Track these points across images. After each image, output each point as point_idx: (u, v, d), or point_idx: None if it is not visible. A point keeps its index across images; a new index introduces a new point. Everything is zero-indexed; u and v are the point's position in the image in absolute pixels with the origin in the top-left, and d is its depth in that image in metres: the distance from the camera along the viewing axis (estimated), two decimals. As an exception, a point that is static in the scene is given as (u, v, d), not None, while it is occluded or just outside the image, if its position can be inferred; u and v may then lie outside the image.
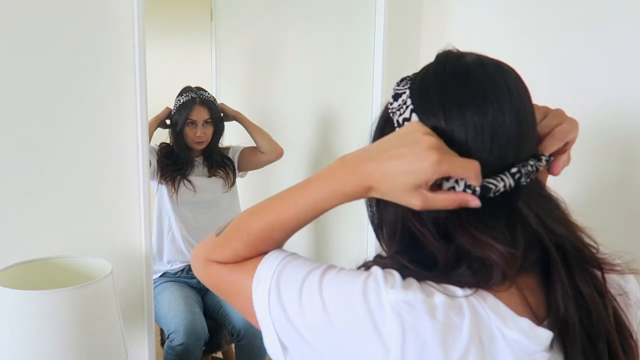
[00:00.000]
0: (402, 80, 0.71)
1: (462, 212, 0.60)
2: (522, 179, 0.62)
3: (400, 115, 0.66)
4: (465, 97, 0.62)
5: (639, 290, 0.72)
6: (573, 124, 0.69)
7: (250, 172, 2.14)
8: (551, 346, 0.58)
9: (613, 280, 0.67)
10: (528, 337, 0.57)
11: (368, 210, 0.74)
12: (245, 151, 2.08)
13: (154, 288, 1.91)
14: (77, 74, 1.40)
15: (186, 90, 1.98)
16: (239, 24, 2.47)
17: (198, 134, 1.94)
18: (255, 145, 2.07)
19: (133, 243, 1.52)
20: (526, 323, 0.58)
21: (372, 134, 0.73)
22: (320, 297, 0.61)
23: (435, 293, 0.58)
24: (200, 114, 1.95)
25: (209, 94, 2.00)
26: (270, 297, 0.65)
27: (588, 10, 1.21)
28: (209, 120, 1.97)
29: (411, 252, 0.65)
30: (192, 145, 1.97)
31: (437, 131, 0.61)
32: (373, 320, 0.57)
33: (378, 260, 0.67)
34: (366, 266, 0.66)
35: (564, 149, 0.69)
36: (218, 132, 2.02)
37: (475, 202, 0.59)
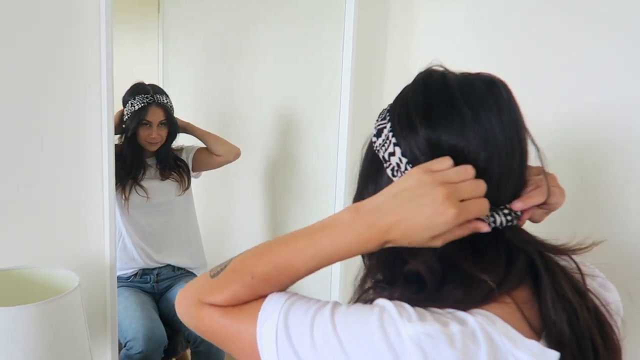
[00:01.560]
0: (380, 114, 0.73)
1: (453, 245, 0.63)
2: (508, 223, 0.66)
3: (385, 150, 0.69)
4: (452, 120, 0.65)
5: (619, 299, 0.77)
6: (562, 193, 0.75)
7: (204, 173, 2.09)
8: None
9: (597, 292, 0.71)
10: (537, 358, 0.59)
11: None
12: (200, 152, 2.01)
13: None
14: (35, 75, 1.30)
15: (140, 89, 1.87)
16: (190, 17, 2.38)
17: (153, 135, 1.85)
18: (203, 151, 2.02)
19: (96, 251, 1.44)
20: (535, 345, 0.60)
21: (361, 171, 0.76)
22: (334, 335, 0.60)
23: (450, 322, 0.59)
24: (155, 115, 1.86)
25: (165, 95, 1.91)
26: (278, 338, 0.63)
27: (548, 21, 1.26)
28: (165, 121, 1.89)
29: (396, 276, 0.68)
30: (145, 145, 1.87)
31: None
32: (395, 354, 0.57)
33: (377, 293, 0.68)
34: (367, 300, 0.67)
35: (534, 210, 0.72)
36: (172, 134, 1.93)
37: (486, 228, 0.63)
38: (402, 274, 0.68)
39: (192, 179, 2.01)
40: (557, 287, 0.65)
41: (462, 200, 0.60)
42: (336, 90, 1.70)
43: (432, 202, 0.59)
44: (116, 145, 1.82)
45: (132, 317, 1.74)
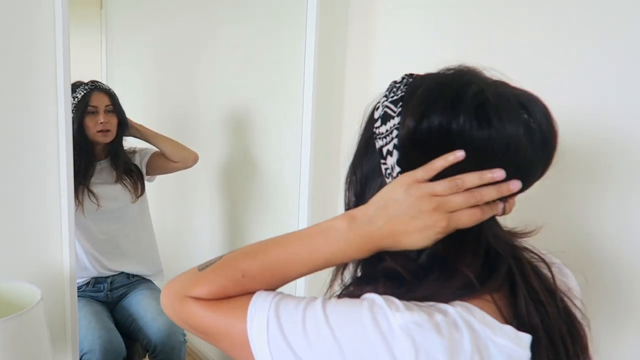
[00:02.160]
0: (393, 89, 0.69)
1: (446, 243, 0.65)
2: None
3: (385, 145, 0.67)
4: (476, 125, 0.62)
5: (576, 282, 0.80)
6: None
7: (160, 176, 2.02)
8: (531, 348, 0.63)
9: (559, 280, 0.74)
10: (514, 342, 0.62)
11: None
12: (155, 156, 1.92)
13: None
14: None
15: (78, 84, 1.76)
16: (136, 13, 2.29)
17: (101, 119, 1.73)
18: (158, 155, 1.93)
19: (54, 261, 1.36)
20: (510, 330, 0.63)
21: (358, 146, 0.74)
22: (327, 325, 0.61)
23: (434, 313, 0.61)
24: (100, 100, 1.75)
25: (106, 85, 1.83)
26: (269, 330, 0.64)
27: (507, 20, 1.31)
28: (111, 107, 1.78)
29: (375, 273, 0.69)
30: (96, 137, 1.75)
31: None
32: (387, 343, 0.59)
33: (360, 288, 0.69)
34: (353, 295, 0.68)
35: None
36: (123, 123, 1.83)
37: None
38: (381, 271, 0.69)
39: (147, 183, 1.94)
40: (530, 290, 0.68)
41: (452, 211, 0.63)
42: (298, 89, 1.69)
43: (422, 214, 0.63)
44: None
45: (87, 328, 1.66)
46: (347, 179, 0.76)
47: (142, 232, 1.93)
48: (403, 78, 0.70)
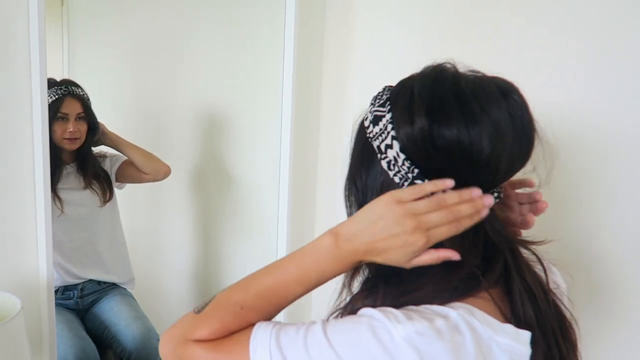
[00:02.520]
0: (377, 98, 0.73)
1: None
2: (496, 203, 0.71)
3: (382, 141, 0.69)
4: (459, 116, 0.65)
5: (564, 281, 0.84)
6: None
7: (134, 192, 1.95)
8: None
9: (549, 278, 0.77)
10: (515, 340, 0.64)
11: None
12: (126, 165, 1.84)
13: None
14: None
15: (51, 83, 1.66)
16: (100, 10, 2.21)
17: (70, 128, 1.67)
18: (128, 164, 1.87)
19: (30, 270, 1.30)
20: (510, 328, 0.66)
21: (352, 156, 0.76)
22: (330, 348, 0.62)
23: (434, 318, 0.62)
24: (72, 107, 1.69)
25: (80, 88, 1.76)
26: (272, 359, 0.65)
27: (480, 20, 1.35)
28: (83, 115, 1.72)
29: (378, 275, 0.73)
30: (62, 143, 1.68)
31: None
32: (391, 356, 0.60)
33: (362, 299, 0.72)
34: (353, 310, 0.70)
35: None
36: (93, 130, 1.76)
37: (456, 257, 0.66)
38: (381, 274, 0.72)
39: (116, 190, 1.87)
40: (525, 285, 0.71)
41: (432, 228, 0.65)
42: (276, 93, 1.68)
43: (403, 233, 0.65)
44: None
45: (59, 337, 1.58)
46: (346, 192, 0.78)
47: (112, 240, 1.86)
48: (383, 89, 0.74)
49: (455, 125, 0.64)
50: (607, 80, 1.13)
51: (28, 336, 1.30)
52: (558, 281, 0.81)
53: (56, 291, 1.74)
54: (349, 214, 0.78)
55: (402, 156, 0.68)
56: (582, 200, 1.19)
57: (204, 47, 2.02)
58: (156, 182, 1.95)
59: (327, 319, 0.69)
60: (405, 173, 0.68)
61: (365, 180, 0.73)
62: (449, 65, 0.71)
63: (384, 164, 0.70)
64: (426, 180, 0.67)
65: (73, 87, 1.72)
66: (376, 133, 0.70)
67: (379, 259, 0.67)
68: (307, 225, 1.78)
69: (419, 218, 0.64)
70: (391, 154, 0.68)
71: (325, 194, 1.77)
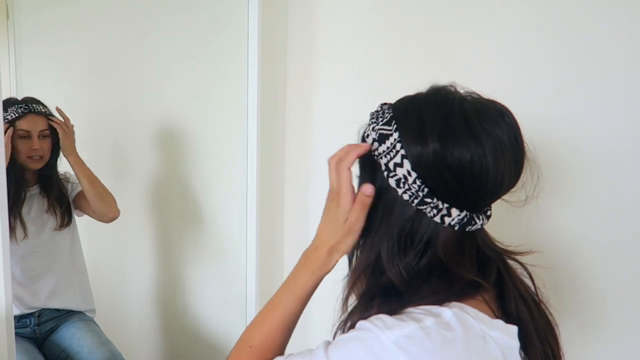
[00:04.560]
0: (379, 116, 0.75)
1: (444, 247, 0.72)
2: (488, 220, 0.76)
3: (391, 160, 0.72)
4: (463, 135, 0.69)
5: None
6: None
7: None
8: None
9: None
10: (505, 333, 0.69)
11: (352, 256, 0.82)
12: (81, 195, 1.73)
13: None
14: None
15: (12, 102, 1.63)
16: (48, 21, 2.12)
17: (34, 146, 1.60)
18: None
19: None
20: (500, 323, 0.70)
21: (362, 172, 0.79)
22: None
23: (424, 318, 0.66)
24: (35, 124, 1.62)
25: (43, 105, 1.68)
26: None
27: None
28: (47, 132, 1.65)
29: (376, 287, 0.76)
30: (26, 163, 1.61)
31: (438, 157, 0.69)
32: None
33: (357, 317, 0.74)
34: (351, 326, 0.73)
35: None
36: (56, 147, 1.69)
37: (369, 190, 0.75)
38: (379, 287, 0.75)
39: (76, 217, 1.80)
40: (518, 289, 0.77)
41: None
42: (240, 106, 1.65)
43: (342, 233, 0.77)
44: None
45: (18, 369, 1.51)
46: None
47: (72, 266, 1.77)
48: (382, 106, 0.77)
49: (465, 146, 0.67)
50: (582, 89, 1.17)
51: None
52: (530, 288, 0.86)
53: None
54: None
55: (414, 175, 0.70)
56: (564, 212, 1.23)
57: (161, 58, 1.97)
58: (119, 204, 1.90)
59: (333, 338, 0.72)
60: (416, 191, 0.70)
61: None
62: (451, 89, 0.74)
63: (392, 182, 0.71)
64: (435, 199, 0.70)
65: (35, 105, 1.65)
66: (383, 151, 0.72)
67: (342, 252, 0.78)
68: (277, 245, 1.75)
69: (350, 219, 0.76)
70: (401, 172, 0.70)
71: (294, 211, 1.75)
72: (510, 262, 0.80)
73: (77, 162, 1.67)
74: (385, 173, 0.72)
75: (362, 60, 1.53)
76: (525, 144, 0.73)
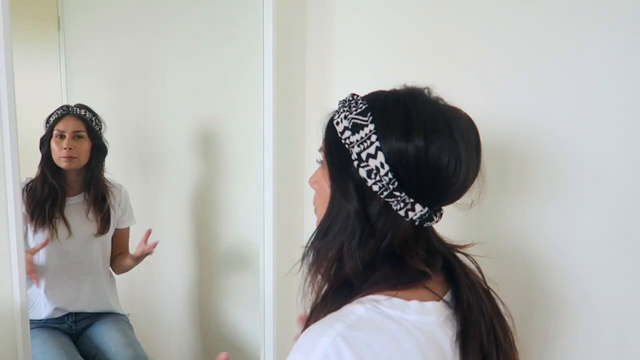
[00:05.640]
0: (352, 105, 0.75)
1: (402, 239, 0.74)
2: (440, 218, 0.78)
3: (364, 150, 0.71)
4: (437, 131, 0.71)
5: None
6: None
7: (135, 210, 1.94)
8: (447, 316, 0.74)
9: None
10: (420, 313, 0.71)
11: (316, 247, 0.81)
12: (121, 235, 1.89)
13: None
14: None
15: (60, 107, 1.74)
16: (95, 33, 2.24)
17: (64, 145, 1.66)
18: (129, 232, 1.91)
19: (2, 294, 1.28)
20: (415, 304, 0.71)
21: (329, 160, 0.77)
22: None
23: (335, 323, 0.67)
24: (69, 125, 1.69)
25: (86, 109, 1.76)
26: None
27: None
28: (82, 133, 1.71)
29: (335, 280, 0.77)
30: (59, 162, 1.68)
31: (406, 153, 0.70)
32: None
33: (313, 318, 0.76)
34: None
35: None
36: (97, 149, 1.76)
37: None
38: (338, 279, 0.77)
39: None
40: (467, 279, 0.79)
41: None
42: (258, 101, 1.64)
43: None
44: (33, 179, 1.67)
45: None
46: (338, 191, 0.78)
47: (103, 273, 1.84)
48: (353, 96, 0.77)
49: (446, 147, 0.70)
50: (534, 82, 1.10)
51: (1, 363, 1.28)
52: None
53: (50, 318, 1.73)
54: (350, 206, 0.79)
55: (387, 167, 0.70)
56: (506, 205, 1.18)
57: (186, 65, 2.01)
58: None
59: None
60: (386, 184, 0.71)
61: (342, 182, 0.76)
62: (429, 91, 0.76)
63: (362, 172, 0.72)
64: (404, 193, 0.71)
65: (76, 108, 1.73)
66: (356, 141, 0.72)
67: None
68: (296, 249, 1.71)
69: None
70: (373, 163, 0.70)
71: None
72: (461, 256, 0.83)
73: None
74: (356, 163, 0.72)
75: (379, 60, 1.47)
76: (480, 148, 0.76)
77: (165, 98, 2.11)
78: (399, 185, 0.71)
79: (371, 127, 0.71)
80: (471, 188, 0.77)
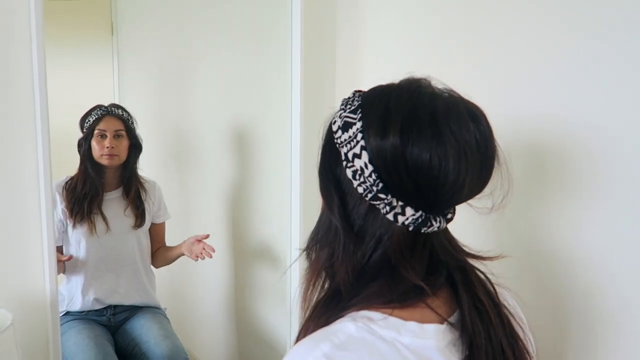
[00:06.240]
0: (348, 103, 0.70)
1: (395, 247, 0.67)
2: (448, 223, 0.71)
3: (350, 150, 0.66)
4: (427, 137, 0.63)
5: (518, 306, 0.80)
6: None
7: (170, 205, 2.01)
8: (451, 341, 0.67)
9: (503, 299, 0.75)
10: (418, 337, 0.64)
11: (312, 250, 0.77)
12: (157, 226, 1.97)
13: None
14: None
15: (95, 107, 1.82)
16: (145, 38, 2.33)
17: (107, 144, 1.75)
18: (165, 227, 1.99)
19: (35, 287, 1.35)
20: (413, 325, 0.65)
21: (321, 160, 0.73)
22: None
23: (322, 342, 0.63)
24: (110, 124, 1.78)
25: (123, 109, 1.84)
26: None
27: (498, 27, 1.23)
28: (122, 132, 1.80)
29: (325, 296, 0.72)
30: (101, 160, 1.77)
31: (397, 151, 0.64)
32: None
33: (302, 334, 0.71)
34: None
35: None
36: (135, 147, 1.84)
37: None
38: (330, 289, 0.72)
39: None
40: (475, 299, 0.70)
41: None
42: (287, 103, 1.65)
43: None
44: (72, 177, 1.76)
45: (83, 352, 1.64)
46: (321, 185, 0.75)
47: (142, 267, 1.91)
48: (353, 93, 0.72)
49: (426, 144, 0.63)
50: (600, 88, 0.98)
51: (32, 351, 1.35)
52: (508, 300, 0.79)
53: (90, 310, 1.81)
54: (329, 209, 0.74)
55: (370, 167, 0.65)
56: (535, 217, 1.11)
57: (224, 67, 2.06)
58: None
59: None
60: (370, 185, 0.65)
61: (334, 185, 0.71)
62: (425, 82, 0.69)
63: (348, 172, 0.67)
64: (389, 195, 0.65)
65: (114, 108, 1.81)
66: (345, 140, 0.67)
67: None
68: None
69: None
70: (358, 163, 0.66)
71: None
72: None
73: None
74: (344, 163, 0.67)
75: (408, 60, 1.44)
76: (497, 151, 0.68)
77: (202, 100, 2.17)
78: (384, 187, 0.65)
79: (358, 125, 0.66)
80: (492, 190, 0.71)
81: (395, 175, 0.64)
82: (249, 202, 2.00)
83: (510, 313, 0.73)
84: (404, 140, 0.63)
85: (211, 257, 1.75)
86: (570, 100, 1.05)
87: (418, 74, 0.70)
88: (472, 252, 0.75)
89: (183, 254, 1.86)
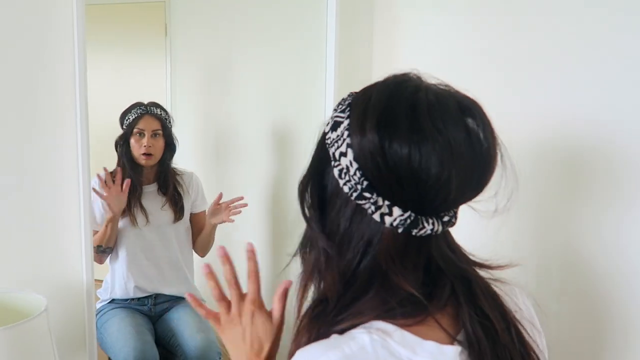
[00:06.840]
0: (340, 103, 0.69)
1: (385, 250, 0.64)
2: (447, 227, 0.66)
3: (337, 148, 0.65)
4: (412, 135, 0.61)
5: (531, 304, 0.76)
6: None
7: (210, 200, 2.06)
8: None
9: (509, 300, 0.72)
10: (436, 358, 0.61)
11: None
12: (199, 215, 2.02)
13: (102, 315, 1.83)
14: (10, 96, 1.31)
15: (134, 105, 1.88)
16: (195, 40, 2.40)
17: (145, 143, 1.82)
18: (205, 215, 2.01)
19: (72, 274, 1.43)
20: (432, 345, 0.62)
21: (311, 161, 0.72)
22: None
23: (330, 350, 0.61)
24: (148, 124, 1.85)
25: (161, 109, 1.91)
26: None
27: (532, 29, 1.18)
28: (159, 131, 1.87)
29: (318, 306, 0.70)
30: (139, 159, 1.85)
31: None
32: None
33: (293, 345, 0.70)
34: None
35: None
36: (170, 146, 1.91)
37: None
38: (321, 302, 0.69)
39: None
40: (478, 311, 0.66)
41: None
42: (321, 104, 1.65)
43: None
44: (111, 171, 1.83)
45: (124, 339, 1.72)
46: (300, 187, 0.74)
47: (181, 259, 1.97)
48: (348, 94, 0.70)
49: (405, 141, 0.60)
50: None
51: (68, 337, 1.43)
52: (519, 304, 0.74)
53: (132, 298, 1.89)
54: (302, 213, 0.74)
55: (355, 165, 0.63)
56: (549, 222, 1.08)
57: (268, 68, 2.09)
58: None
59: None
60: (355, 184, 0.64)
61: (317, 186, 0.70)
62: (412, 76, 0.67)
63: (335, 171, 0.66)
64: (375, 194, 0.63)
65: (152, 108, 1.88)
66: (333, 140, 0.66)
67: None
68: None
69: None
70: (344, 162, 0.64)
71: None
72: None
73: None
74: (332, 162, 0.66)
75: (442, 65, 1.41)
76: (498, 150, 0.64)
77: (243, 99, 2.22)
78: (368, 185, 0.63)
79: (345, 123, 0.65)
80: (496, 192, 0.68)
81: (376, 172, 0.62)
82: (285, 201, 2.01)
83: (521, 319, 0.69)
84: (381, 134, 0.61)
85: (240, 212, 1.84)
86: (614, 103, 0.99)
87: (407, 69, 0.68)
88: (479, 260, 0.71)
89: (214, 224, 1.93)
